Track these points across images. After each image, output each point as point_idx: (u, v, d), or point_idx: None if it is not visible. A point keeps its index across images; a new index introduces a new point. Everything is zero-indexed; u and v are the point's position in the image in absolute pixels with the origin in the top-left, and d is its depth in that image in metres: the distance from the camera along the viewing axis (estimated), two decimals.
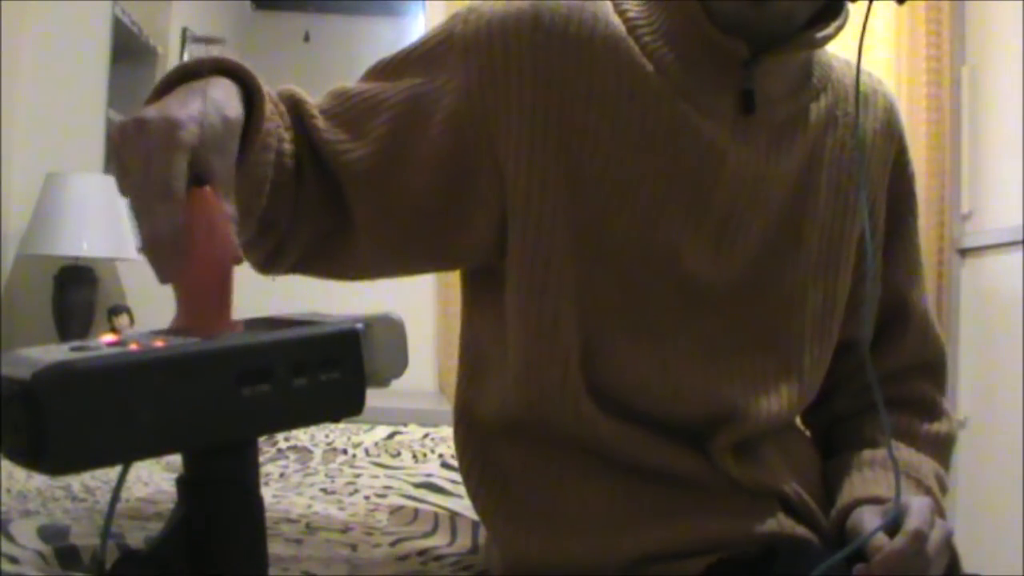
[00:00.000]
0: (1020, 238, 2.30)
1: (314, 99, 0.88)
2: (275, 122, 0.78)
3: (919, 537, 0.82)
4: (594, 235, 0.85)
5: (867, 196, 0.94)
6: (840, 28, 0.89)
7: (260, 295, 3.18)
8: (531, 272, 0.85)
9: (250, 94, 0.74)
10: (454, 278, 2.78)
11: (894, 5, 0.90)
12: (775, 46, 0.86)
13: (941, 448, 1.02)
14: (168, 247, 0.57)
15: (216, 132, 0.63)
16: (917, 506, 0.84)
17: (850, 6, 0.90)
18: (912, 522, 0.82)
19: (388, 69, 0.89)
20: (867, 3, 0.88)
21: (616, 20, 0.87)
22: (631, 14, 0.88)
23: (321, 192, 0.85)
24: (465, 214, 0.86)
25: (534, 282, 0.85)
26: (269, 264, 0.86)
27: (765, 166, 0.88)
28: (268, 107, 0.75)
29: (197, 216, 0.58)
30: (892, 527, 0.85)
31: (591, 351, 0.86)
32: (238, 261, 0.59)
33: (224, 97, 0.67)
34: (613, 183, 0.84)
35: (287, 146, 0.80)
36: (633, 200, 0.85)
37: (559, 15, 0.85)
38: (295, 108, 0.85)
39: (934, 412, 1.03)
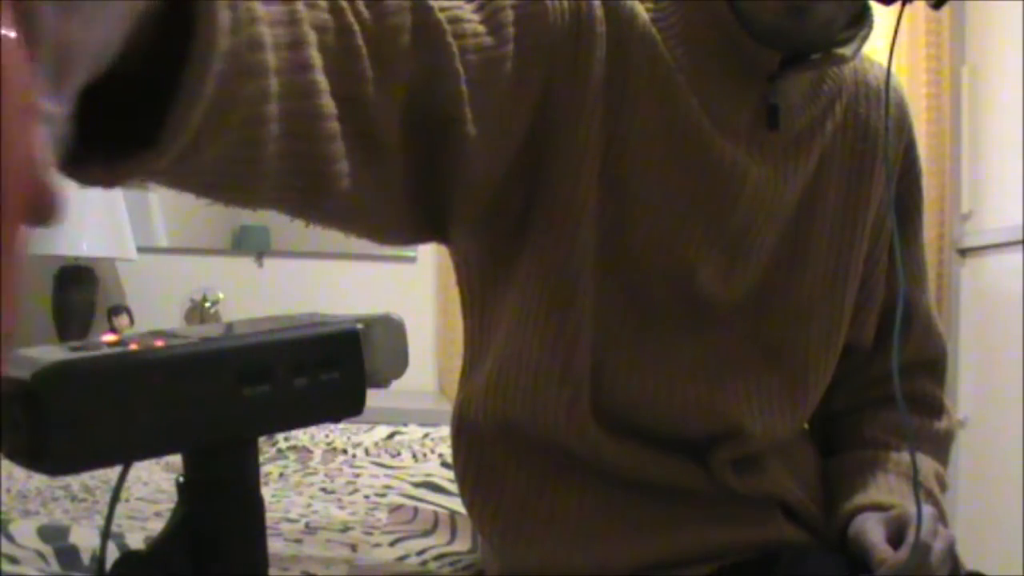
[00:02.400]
0: (1020, 238, 2.30)
1: None
2: (261, 26, 0.49)
3: (923, 549, 0.81)
4: (613, 249, 0.82)
5: (891, 214, 0.90)
6: (866, 39, 0.85)
7: (260, 295, 3.17)
8: (559, 285, 0.81)
9: None
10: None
11: (893, 5, 0.87)
12: (802, 59, 0.82)
13: (941, 446, 1.02)
14: None
15: None
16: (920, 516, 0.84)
17: (874, 9, 0.86)
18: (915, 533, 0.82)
19: (481, 5, 0.73)
20: (899, 7, 0.84)
21: (649, 23, 0.82)
22: (651, 15, 0.83)
23: (419, 124, 0.67)
24: (510, 191, 0.79)
25: (560, 296, 0.82)
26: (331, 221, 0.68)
27: (781, 181, 0.86)
28: (229, 11, 0.44)
29: None
30: (895, 535, 0.85)
31: (598, 368, 0.84)
32: (48, 200, 0.29)
33: None
34: (636, 196, 0.82)
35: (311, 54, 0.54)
36: (654, 215, 0.82)
37: (604, 13, 0.80)
38: (431, 34, 0.66)
39: (935, 409, 1.03)
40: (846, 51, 0.83)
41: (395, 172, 0.69)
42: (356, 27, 0.59)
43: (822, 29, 0.81)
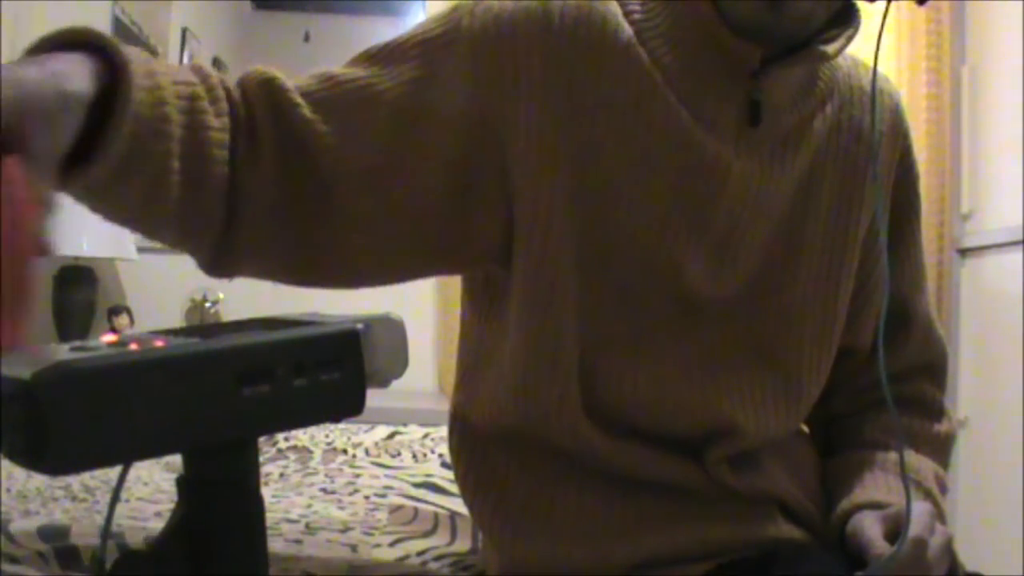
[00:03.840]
0: (1020, 238, 2.30)
1: (296, 80, 0.80)
2: (172, 108, 0.68)
3: (919, 544, 0.81)
4: (597, 250, 0.83)
5: (881, 211, 0.91)
6: (851, 37, 0.86)
7: (260, 295, 3.18)
8: (536, 288, 0.83)
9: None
10: (455, 278, 2.79)
11: (894, 4, 0.87)
12: (786, 56, 0.83)
13: (941, 448, 1.02)
14: None
15: (45, 101, 0.56)
16: (917, 512, 0.84)
17: (863, 8, 0.87)
18: (912, 529, 0.82)
19: (382, 55, 0.82)
20: (885, 5, 0.84)
21: (625, 24, 0.83)
22: (636, 16, 0.84)
23: (298, 188, 0.77)
24: (471, 219, 0.82)
25: (538, 298, 0.83)
26: (216, 266, 0.79)
27: (768, 179, 0.86)
28: (147, 93, 0.65)
29: None
30: (893, 532, 0.85)
31: (589, 368, 0.85)
32: (42, 252, 0.51)
33: (68, 69, 0.59)
34: (617, 197, 0.82)
35: (212, 134, 0.71)
36: (637, 215, 0.83)
37: (570, 17, 0.81)
38: (271, 93, 0.77)
39: (935, 412, 1.03)
40: (829, 48, 0.84)
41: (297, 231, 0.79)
42: (230, 120, 0.74)
43: (801, 24, 0.82)
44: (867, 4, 0.88)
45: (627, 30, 0.83)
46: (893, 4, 0.85)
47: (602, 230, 0.83)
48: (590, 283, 0.84)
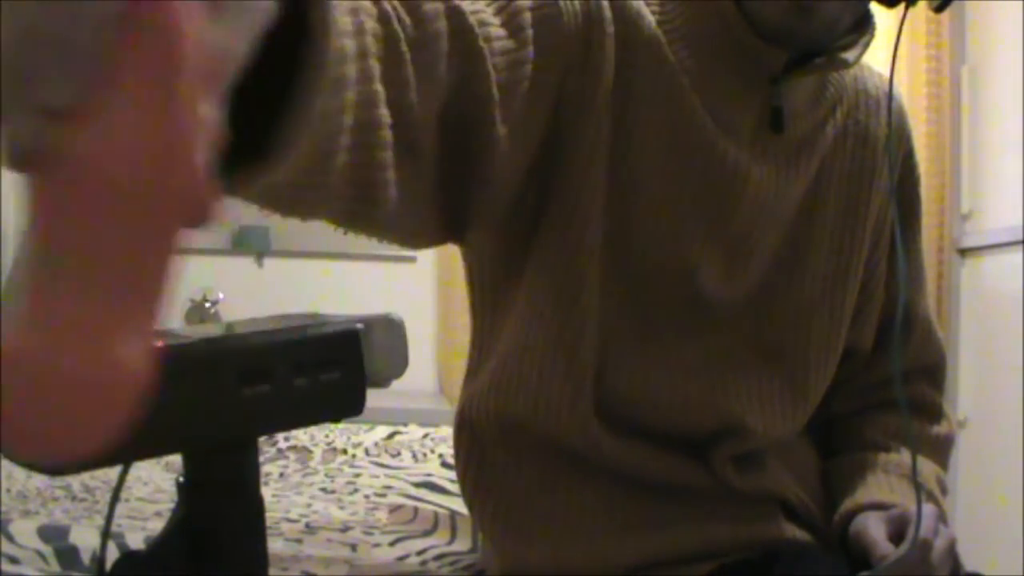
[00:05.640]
0: (1020, 238, 2.30)
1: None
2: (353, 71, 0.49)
3: (924, 546, 0.82)
4: (617, 247, 0.83)
5: (896, 216, 0.91)
6: (867, 45, 0.86)
7: (260, 295, 3.18)
8: (565, 281, 0.83)
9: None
10: (455, 277, 2.79)
11: (898, 7, 0.87)
12: (804, 62, 0.83)
13: (940, 450, 1.02)
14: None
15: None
16: (923, 514, 0.84)
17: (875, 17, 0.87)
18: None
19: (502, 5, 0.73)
20: (902, 11, 0.84)
21: (653, 23, 0.83)
22: (657, 16, 0.83)
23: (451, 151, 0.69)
24: (525, 187, 0.80)
25: (567, 291, 0.83)
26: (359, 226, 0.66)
27: (783, 184, 0.87)
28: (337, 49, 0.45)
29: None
30: (896, 533, 0.85)
31: (600, 365, 0.85)
32: (204, 206, 0.28)
33: None
34: (640, 195, 0.83)
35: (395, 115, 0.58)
36: (657, 214, 0.83)
37: (619, 13, 0.80)
38: (466, 38, 0.66)
39: (934, 414, 1.03)
40: (849, 56, 0.84)
41: (428, 178, 0.68)
42: (400, 35, 0.58)
43: (827, 28, 0.81)
44: (877, 9, 0.87)
45: (657, 30, 0.83)
46: (900, 8, 0.85)
47: (625, 227, 0.83)
48: (607, 280, 0.84)
